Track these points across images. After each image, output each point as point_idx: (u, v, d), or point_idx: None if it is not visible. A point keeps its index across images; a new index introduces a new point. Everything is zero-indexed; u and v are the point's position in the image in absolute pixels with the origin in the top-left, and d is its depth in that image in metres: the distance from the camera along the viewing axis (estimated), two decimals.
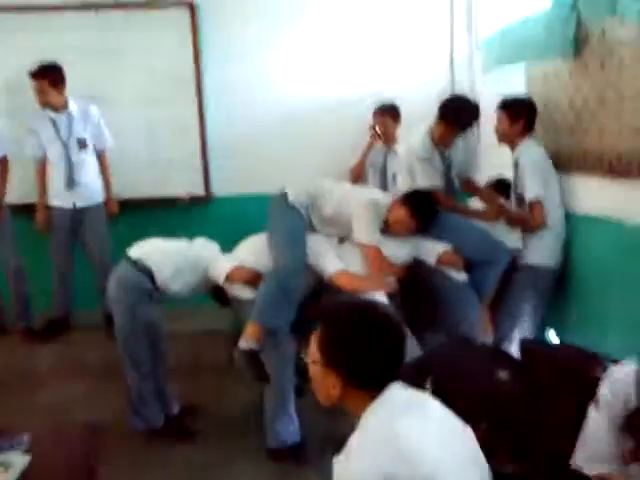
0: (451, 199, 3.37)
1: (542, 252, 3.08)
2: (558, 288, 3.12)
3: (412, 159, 3.31)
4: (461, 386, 1.53)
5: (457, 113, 3.20)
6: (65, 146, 3.86)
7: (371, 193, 3.22)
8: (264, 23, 4.32)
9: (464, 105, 3.25)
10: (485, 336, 3.07)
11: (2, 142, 3.92)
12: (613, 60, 2.65)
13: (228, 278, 2.92)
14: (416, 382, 1.66)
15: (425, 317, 3.04)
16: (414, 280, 3.07)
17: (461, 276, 3.08)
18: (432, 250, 3.07)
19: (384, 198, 3.11)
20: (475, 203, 3.60)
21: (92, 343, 3.77)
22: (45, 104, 3.83)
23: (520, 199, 3.17)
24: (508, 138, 3.20)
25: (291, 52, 4.40)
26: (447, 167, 3.38)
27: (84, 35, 4.16)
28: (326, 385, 1.41)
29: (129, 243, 3.12)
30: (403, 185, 3.36)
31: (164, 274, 2.95)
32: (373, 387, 1.38)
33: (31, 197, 4.05)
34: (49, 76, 3.78)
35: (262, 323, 2.79)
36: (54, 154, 3.88)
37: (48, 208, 3.97)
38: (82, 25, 4.17)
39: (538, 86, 3.35)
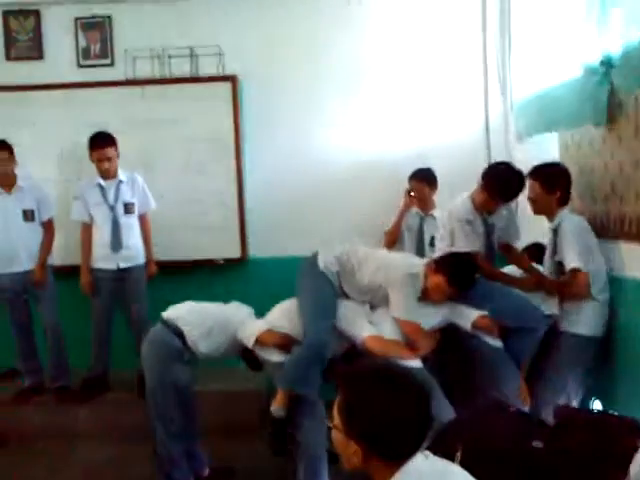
0: (490, 264, 3.30)
1: (585, 321, 2.97)
2: (603, 356, 3.01)
3: (453, 222, 3.24)
4: (493, 455, 1.47)
5: (503, 186, 3.13)
6: (112, 209, 4.01)
7: (409, 263, 3.12)
8: (301, 92, 4.46)
9: (510, 177, 3.16)
10: (524, 404, 2.96)
11: (49, 206, 4.10)
12: None
13: (258, 341, 2.93)
14: (445, 449, 1.62)
15: (461, 382, 2.96)
16: (449, 344, 3.02)
17: (496, 342, 3.01)
18: (468, 315, 3.02)
19: (421, 266, 3.05)
20: (512, 270, 3.54)
21: (127, 404, 3.80)
22: (107, 170, 3.97)
23: (559, 266, 3.09)
24: (544, 209, 3.10)
25: (327, 119, 4.51)
26: (488, 232, 3.30)
27: (130, 107, 4.40)
28: (348, 452, 1.36)
29: (167, 304, 3.19)
30: (442, 250, 3.31)
31: (194, 335, 2.98)
32: (396, 457, 1.33)
33: (72, 259, 4.18)
34: (116, 145, 3.98)
35: (292, 390, 2.79)
36: (100, 217, 4.02)
37: (92, 270, 4.08)
38: (129, 98, 4.41)
39: (572, 152, 3.35)
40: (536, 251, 3.47)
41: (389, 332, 2.90)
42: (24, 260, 3.98)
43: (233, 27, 4.43)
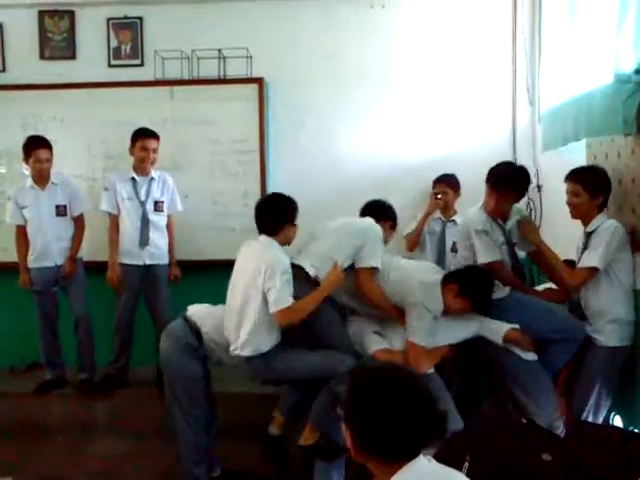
0: (511, 274, 3.19)
1: (618, 332, 2.91)
2: (627, 370, 2.94)
3: (471, 234, 3.16)
4: (501, 466, 1.46)
5: (511, 178, 3.10)
6: (142, 205, 4.06)
7: (431, 281, 2.99)
8: (326, 95, 4.49)
9: (515, 170, 3.16)
10: (562, 420, 2.92)
11: (81, 201, 4.17)
12: None
13: None
14: (452, 459, 1.61)
15: (491, 395, 2.93)
16: (476, 356, 3.01)
17: (529, 355, 2.97)
18: (498, 328, 2.98)
19: (439, 280, 3.00)
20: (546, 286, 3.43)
21: (146, 399, 3.84)
22: (146, 160, 4.01)
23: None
24: (585, 213, 3.00)
25: (353, 122, 4.53)
26: (508, 240, 3.23)
27: (159, 107, 4.46)
28: (347, 443, 1.39)
29: (191, 303, 3.22)
30: (462, 262, 3.25)
31: (209, 334, 3.00)
32: (393, 457, 1.33)
33: (98, 255, 4.24)
34: (159, 140, 4.05)
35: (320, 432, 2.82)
36: (130, 212, 4.07)
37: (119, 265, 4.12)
38: (157, 98, 4.47)
39: (600, 162, 3.29)
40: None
41: (399, 344, 2.91)
42: (56, 254, 4.06)
43: (261, 30, 4.48)
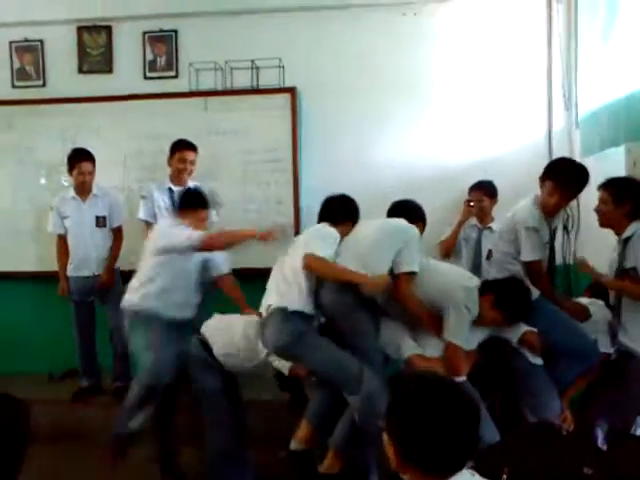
0: (548, 279, 3.13)
1: None
2: None
3: (520, 230, 3.04)
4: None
5: (578, 174, 3.03)
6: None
7: (466, 286, 2.93)
8: (358, 105, 4.49)
9: (578, 167, 3.09)
10: (566, 426, 2.86)
11: (120, 213, 4.26)
12: None
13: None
14: (490, 471, 1.56)
15: (502, 400, 2.88)
16: (491, 361, 2.97)
17: (536, 359, 2.93)
18: (516, 329, 2.94)
19: (476, 287, 2.93)
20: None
21: (179, 406, 3.85)
22: (183, 171, 4.05)
23: (625, 273, 2.94)
24: (612, 222, 2.98)
25: (385, 131, 4.52)
26: (552, 239, 3.18)
27: (193, 118, 4.52)
28: (389, 453, 1.35)
29: (224, 311, 3.30)
30: (500, 263, 3.18)
31: (219, 349, 3.06)
32: (434, 469, 1.29)
33: (135, 265, 4.28)
34: (197, 152, 4.09)
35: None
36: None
37: None
38: (192, 109, 4.54)
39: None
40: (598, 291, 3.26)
41: (431, 350, 2.85)
42: (94, 264, 4.15)
43: (293, 40, 4.52)
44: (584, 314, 3.07)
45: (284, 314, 2.77)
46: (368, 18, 4.49)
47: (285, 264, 2.93)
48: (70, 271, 4.17)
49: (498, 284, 2.97)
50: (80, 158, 4.08)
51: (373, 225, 3.03)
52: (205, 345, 3.08)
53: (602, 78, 3.66)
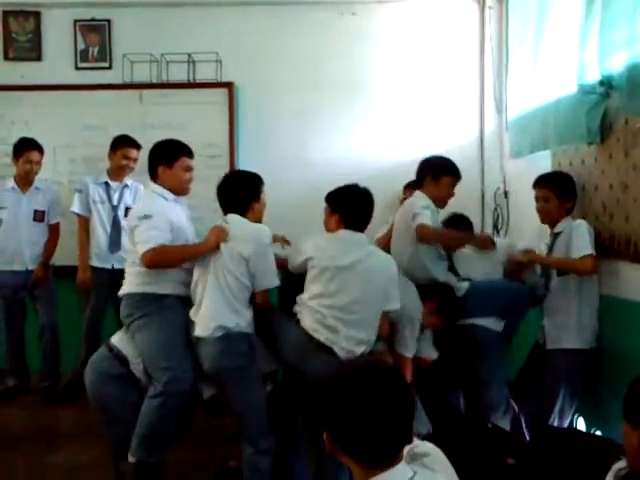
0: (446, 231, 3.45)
1: (572, 334, 2.97)
2: (591, 373, 3.00)
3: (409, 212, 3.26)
4: (465, 471, 1.46)
5: (448, 164, 3.28)
6: (114, 210, 4.02)
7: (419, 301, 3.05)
8: (296, 101, 4.49)
9: (446, 159, 3.34)
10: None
11: (60, 209, 4.11)
12: (637, 148, 2.65)
13: None
14: None
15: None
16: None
17: (497, 325, 3.16)
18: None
19: None
20: None
21: None
22: (125, 169, 3.99)
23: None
24: (555, 218, 3.07)
25: (323, 127, 4.55)
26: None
27: (127, 111, 4.41)
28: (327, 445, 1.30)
29: None
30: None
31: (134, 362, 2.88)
32: (369, 461, 1.25)
33: (65, 259, 4.16)
34: (139, 150, 3.98)
35: None
36: (101, 216, 4.03)
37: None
38: (126, 102, 4.42)
39: (564, 168, 3.35)
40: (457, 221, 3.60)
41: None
42: (27, 259, 4.00)
43: (231, 35, 4.46)
44: (489, 242, 3.35)
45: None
46: (307, 16, 4.49)
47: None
48: (1, 265, 3.98)
49: (436, 291, 3.08)
50: (29, 147, 3.93)
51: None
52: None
53: (532, 82, 3.79)
